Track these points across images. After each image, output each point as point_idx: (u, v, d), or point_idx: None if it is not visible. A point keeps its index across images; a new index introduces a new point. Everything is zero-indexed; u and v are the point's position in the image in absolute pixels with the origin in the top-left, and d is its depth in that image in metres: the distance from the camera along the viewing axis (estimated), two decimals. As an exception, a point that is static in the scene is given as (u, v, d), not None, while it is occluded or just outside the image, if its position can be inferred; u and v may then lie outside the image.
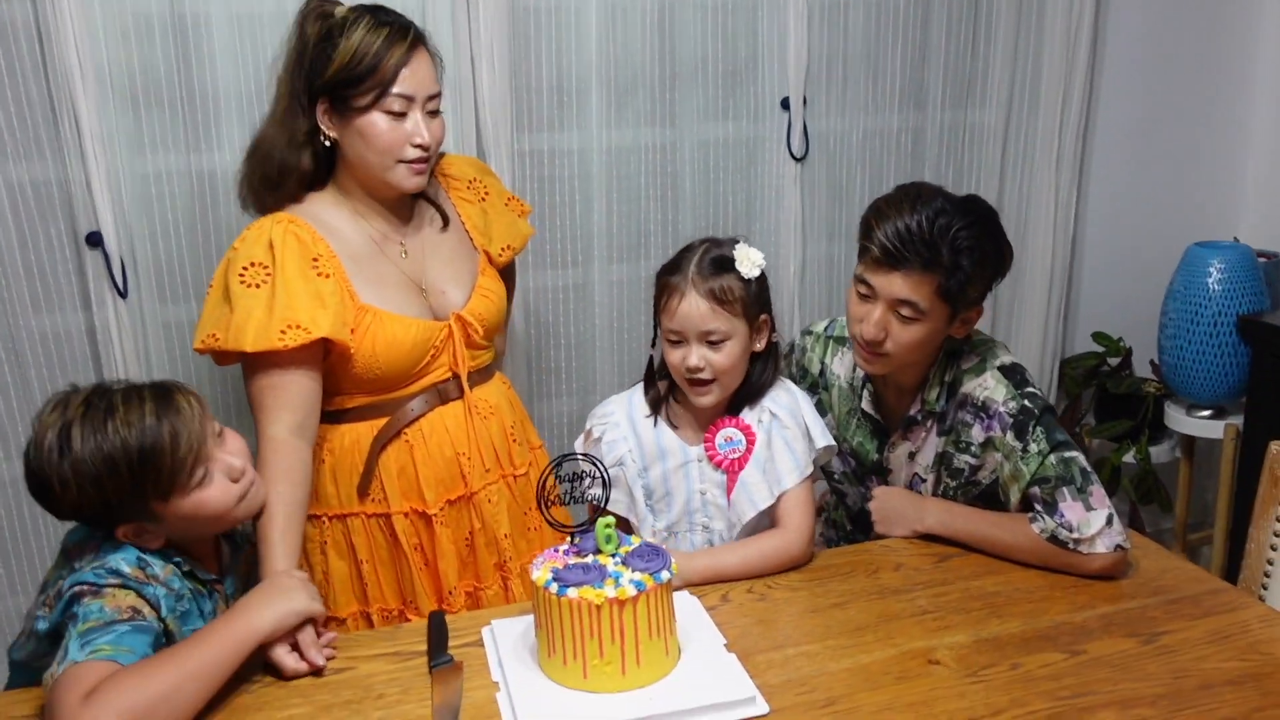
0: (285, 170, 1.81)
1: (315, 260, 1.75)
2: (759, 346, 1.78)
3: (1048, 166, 2.90)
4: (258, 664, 1.47)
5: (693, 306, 1.71)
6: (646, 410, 1.83)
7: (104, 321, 2.27)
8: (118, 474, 1.39)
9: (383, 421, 1.84)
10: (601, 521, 1.45)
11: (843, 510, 2.07)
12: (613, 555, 1.45)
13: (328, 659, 1.50)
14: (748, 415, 1.79)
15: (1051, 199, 2.92)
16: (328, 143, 1.80)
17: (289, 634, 1.47)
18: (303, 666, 1.47)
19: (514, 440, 1.98)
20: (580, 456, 1.52)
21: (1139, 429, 2.94)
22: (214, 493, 1.47)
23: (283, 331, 1.69)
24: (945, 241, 1.67)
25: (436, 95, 1.79)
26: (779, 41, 2.61)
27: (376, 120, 1.74)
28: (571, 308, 2.64)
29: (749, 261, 1.73)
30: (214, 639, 1.39)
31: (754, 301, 1.74)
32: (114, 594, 1.38)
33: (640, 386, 1.86)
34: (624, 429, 1.82)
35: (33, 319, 2.25)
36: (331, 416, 1.84)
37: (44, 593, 1.46)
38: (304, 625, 1.48)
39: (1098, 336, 3.03)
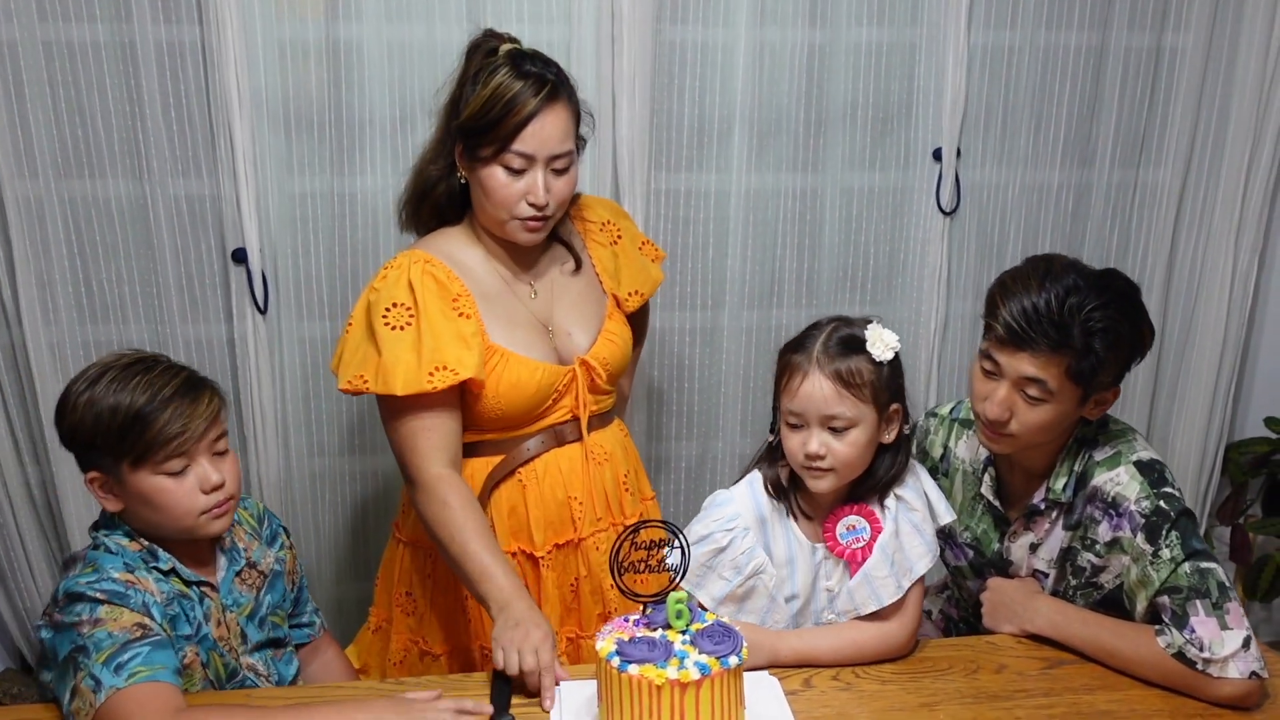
0: (425, 197, 1.84)
1: (455, 300, 1.75)
2: (888, 438, 1.64)
3: (1227, 233, 2.67)
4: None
5: (816, 388, 1.59)
6: (770, 504, 1.69)
7: (243, 334, 2.36)
8: (111, 422, 1.47)
9: (499, 459, 1.84)
10: (674, 596, 1.39)
11: (963, 600, 1.94)
12: (682, 632, 1.39)
13: None
14: (872, 502, 1.68)
15: (1229, 268, 2.69)
16: (462, 180, 1.81)
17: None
18: None
19: (626, 489, 1.95)
20: (659, 524, 1.46)
21: (1312, 527, 2.67)
22: (176, 489, 1.50)
23: (431, 374, 1.70)
24: (1076, 322, 1.55)
25: (564, 155, 1.75)
26: (935, 88, 2.49)
27: (497, 173, 1.73)
28: (699, 351, 2.59)
29: (882, 343, 1.60)
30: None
31: (885, 387, 1.61)
32: (112, 616, 1.42)
33: (756, 478, 1.71)
34: (754, 534, 1.66)
35: (178, 328, 2.35)
36: None
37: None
38: None
39: (1270, 422, 2.77)
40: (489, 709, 1.48)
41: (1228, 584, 1.57)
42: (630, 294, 1.98)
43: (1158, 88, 2.59)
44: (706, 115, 2.43)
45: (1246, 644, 1.52)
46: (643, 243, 2.05)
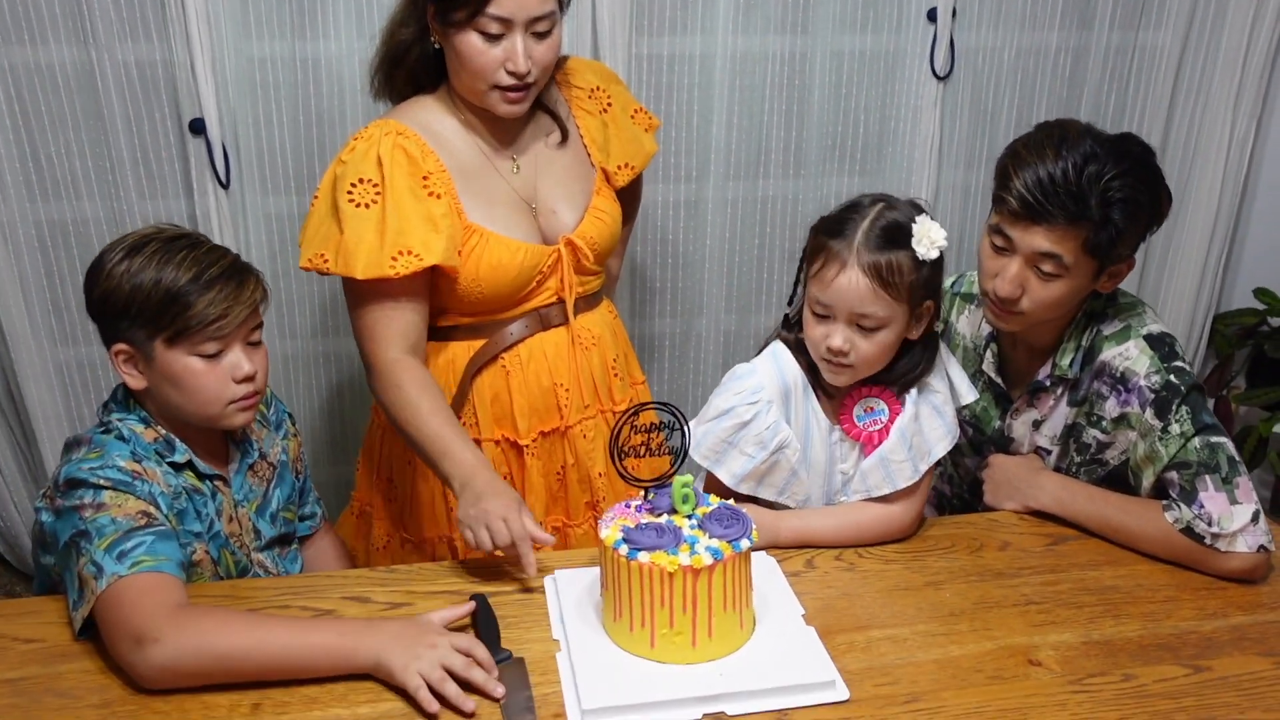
0: (398, 63, 1.71)
1: (426, 178, 1.63)
2: (915, 334, 1.54)
3: (1225, 99, 2.59)
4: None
5: (851, 283, 1.46)
6: (796, 376, 1.57)
7: (205, 210, 2.24)
8: (152, 294, 1.40)
9: (480, 343, 1.75)
10: (679, 480, 1.34)
11: (956, 477, 1.91)
12: (689, 517, 1.34)
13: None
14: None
15: (1226, 136, 2.62)
16: (436, 46, 1.67)
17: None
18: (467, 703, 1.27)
19: (615, 374, 1.88)
20: (659, 405, 1.39)
21: (1295, 397, 2.67)
22: (208, 373, 1.43)
23: (394, 258, 1.59)
24: (1095, 192, 1.48)
25: (545, 17, 1.60)
26: (931, -57, 2.36)
27: (472, 40, 1.59)
28: (682, 225, 2.50)
29: (928, 240, 1.46)
30: (327, 642, 1.30)
31: (924, 286, 1.49)
32: (117, 502, 1.35)
33: (779, 349, 1.59)
34: (778, 407, 1.55)
35: (136, 204, 2.23)
36: (427, 334, 1.75)
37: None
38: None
39: (1260, 293, 2.74)
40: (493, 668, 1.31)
41: (1237, 458, 1.54)
42: (620, 167, 1.86)
43: (1161, -58, 2.47)
44: (691, -29, 2.29)
45: (1256, 518, 1.51)
46: (635, 110, 1.92)
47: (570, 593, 1.44)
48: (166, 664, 1.25)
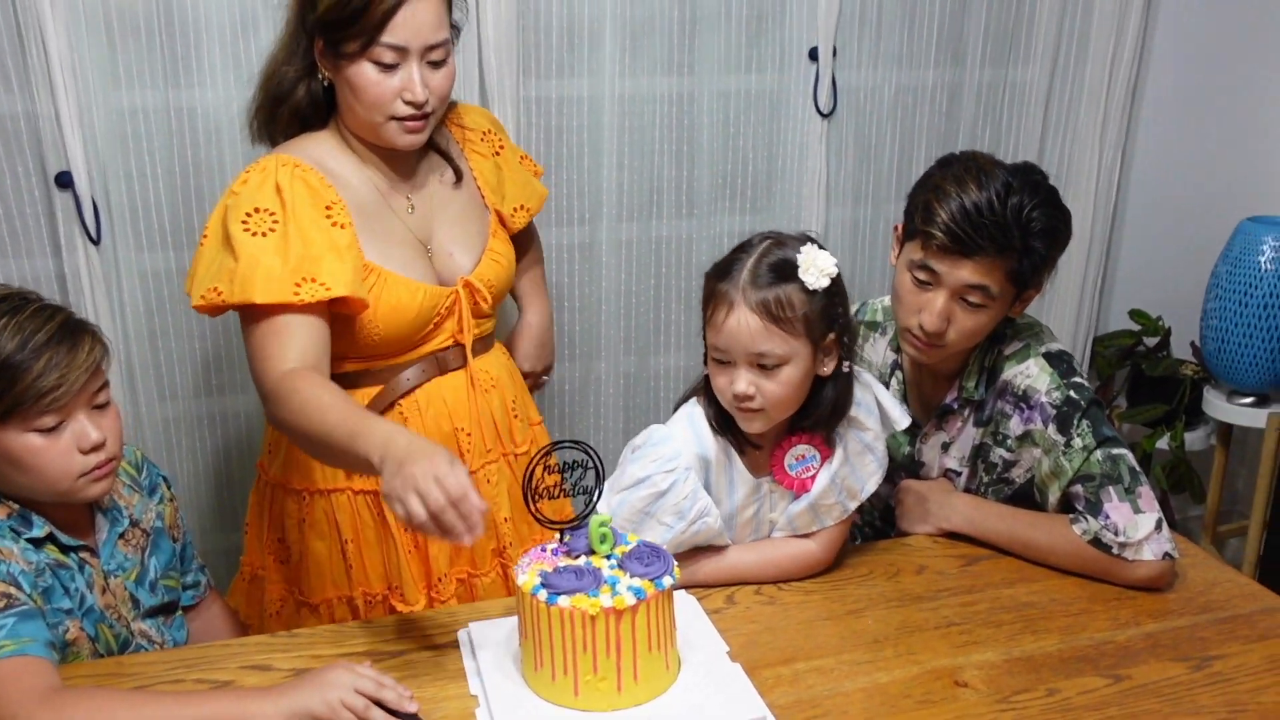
0: (282, 102, 1.64)
1: (329, 208, 1.56)
2: (826, 370, 1.48)
3: (1092, 129, 2.71)
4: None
5: (741, 323, 1.41)
6: (713, 441, 1.52)
7: (74, 268, 2.12)
8: None
9: (375, 390, 1.67)
10: (595, 519, 1.30)
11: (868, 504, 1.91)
12: (608, 557, 1.30)
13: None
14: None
15: (1094, 165, 2.73)
16: (325, 83, 1.61)
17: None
18: None
19: (515, 415, 1.83)
20: (571, 444, 1.35)
21: (1174, 414, 2.77)
22: (49, 449, 1.32)
23: (298, 285, 1.49)
24: (1018, 223, 1.50)
25: (440, 45, 1.56)
26: (809, -15, 2.41)
27: (366, 71, 1.54)
28: (577, 268, 2.48)
29: (816, 268, 1.41)
30: (227, 713, 1.21)
31: (820, 318, 1.43)
32: None
33: (695, 412, 1.54)
34: (696, 474, 1.50)
35: (-2, 264, 2.10)
36: None
37: None
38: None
39: (1135, 314, 2.85)
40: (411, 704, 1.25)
41: (1137, 468, 1.58)
42: (516, 209, 1.83)
43: (1025, -18, 2.58)
44: (575, 15, 2.29)
45: (1159, 526, 1.54)
46: (522, 156, 1.91)
47: (486, 645, 1.37)
48: None
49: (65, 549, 1.38)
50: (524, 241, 1.94)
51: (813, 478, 1.54)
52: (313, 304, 1.51)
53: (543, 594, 1.23)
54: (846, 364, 1.50)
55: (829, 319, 1.45)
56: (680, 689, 1.30)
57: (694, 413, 1.54)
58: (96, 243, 2.10)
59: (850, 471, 1.55)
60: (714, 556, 1.56)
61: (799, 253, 1.43)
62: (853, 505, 1.56)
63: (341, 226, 1.56)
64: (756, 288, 1.42)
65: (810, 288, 1.42)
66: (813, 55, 2.45)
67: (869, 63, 2.52)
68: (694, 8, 2.35)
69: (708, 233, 2.53)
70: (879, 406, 1.56)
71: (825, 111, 2.50)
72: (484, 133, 1.82)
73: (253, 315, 1.52)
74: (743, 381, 1.44)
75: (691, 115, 2.43)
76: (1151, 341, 2.85)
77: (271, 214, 1.53)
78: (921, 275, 1.56)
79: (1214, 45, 2.77)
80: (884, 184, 2.63)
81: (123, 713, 1.19)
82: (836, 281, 1.44)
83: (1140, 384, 2.84)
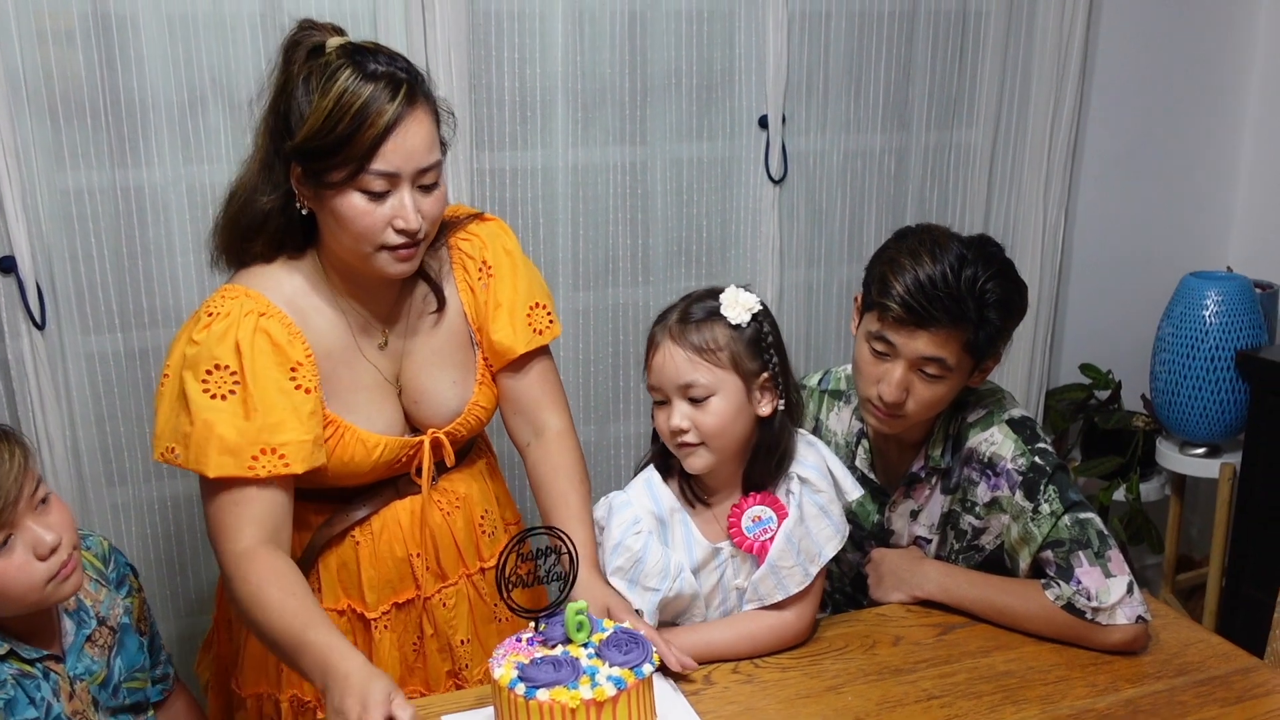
0: (257, 232, 1.52)
1: (294, 370, 1.46)
2: (764, 411, 1.54)
3: (1035, 189, 2.76)
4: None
5: (669, 357, 1.50)
6: (668, 504, 1.57)
7: (18, 354, 2.05)
8: None
9: (324, 517, 1.59)
10: (572, 607, 1.27)
11: (838, 573, 1.90)
12: (585, 645, 1.27)
13: None
14: (774, 488, 1.57)
15: (1040, 223, 2.78)
16: (304, 211, 1.49)
17: None
18: None
19: (484, 532, 1.73)
20: (544, 530, 1.33)
21: (1128, 466, 2.80)
22: (9, 567, 1.27)
23: (255, 458, 1.41)
24: (972, 295, 1.52)
25: (432, 167, 1.45)
26: (757, 55, 2.44)
27: (353, 201, 1.42)
28: (534, 337, 2.45)
29: (738, 305, 1.50)
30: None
31: (746, 353, 1.51)
32: None
33: (651, 476, 1.59)
34: (656, 536, 1.54)
35: (-64, 351, 2.03)
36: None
37: None
38: None
39: (1085, 368, 2.90)
40: None
41: (1106, 532, 1.58)
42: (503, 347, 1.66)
43: (966, 48, 2.63)
44: (527, 88, 2.29)
45: (1130, 589, 1.54)
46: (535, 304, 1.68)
47: (461, 739, 1.34)
48: None
49: (29, 661, 1.32)
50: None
51: (771, 539, 1.54)
52: (270, 477, 1.44)
53: (520, 688, 1.19)
54: (782, 403, 1.55)
55: (758, 356, 1.53)
56: (663, 779, 1.27)
57: (651, 477, 1.59)
58: (41, 327, 2.04)
59: (806, 533, 1.55)
60: (689, 633, 1.54)
61: (722, 294, 1.52)
62: (814, 569, 1.56)
63: (306, 391, 1.47)
64: (683, 324, 1.52)
65: (733, 322, 1.50)
66: (762, 123, 2.48)
67: (817, 129, 2.56)
68: (645, 78, 2.37)
69: (664, 299, 2.48)
70: (831, 474, 1.59)
71: (776, 177, 2.52)
72: (482, 264, 1.66)
73: (208, 483, 1.45)
74: (676, 415, 1.51)
75: (645, 184, 2.44)
76: (1103, 395, 2.90)
77: (232, 373, 1.43)
78: (879, 346, 1.58)
79: (1150, 106, 2.87)
80: (836, 247, 2.66)
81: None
82: (762, 320, 1.53)
83: (1094, 437, 2.88)
